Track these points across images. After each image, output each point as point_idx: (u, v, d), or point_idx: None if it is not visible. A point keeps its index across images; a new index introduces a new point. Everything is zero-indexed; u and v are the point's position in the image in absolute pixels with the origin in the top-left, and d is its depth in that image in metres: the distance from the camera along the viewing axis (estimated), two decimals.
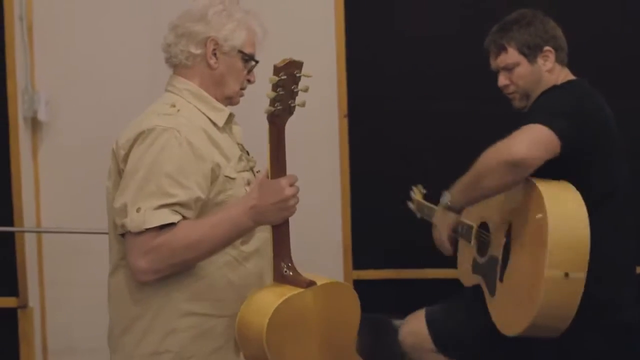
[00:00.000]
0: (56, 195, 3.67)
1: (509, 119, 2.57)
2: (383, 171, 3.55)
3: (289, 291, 2.16)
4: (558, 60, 2.74)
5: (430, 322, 2.84)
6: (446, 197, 2.68)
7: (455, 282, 2.98)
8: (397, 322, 3.31)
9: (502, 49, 2.75)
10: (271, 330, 2.10)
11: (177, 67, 2.34)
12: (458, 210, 2.71)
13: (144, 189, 2.10)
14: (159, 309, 2.21)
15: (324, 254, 3.51)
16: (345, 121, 3.54)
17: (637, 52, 3.39)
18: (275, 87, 2.08)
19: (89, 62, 3.63)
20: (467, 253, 2.90)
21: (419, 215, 3.19)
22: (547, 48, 2.71)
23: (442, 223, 2.77)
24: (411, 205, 3.25)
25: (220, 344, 2.25)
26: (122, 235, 2.16)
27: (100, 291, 3.56)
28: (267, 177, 2.14)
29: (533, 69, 2.73)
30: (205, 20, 2.29)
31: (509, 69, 2.75)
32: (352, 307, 2.34)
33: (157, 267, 2.13)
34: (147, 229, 2.08)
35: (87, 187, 3.60)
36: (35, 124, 3.64)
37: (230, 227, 2.16)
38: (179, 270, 2.18)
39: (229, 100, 2.38)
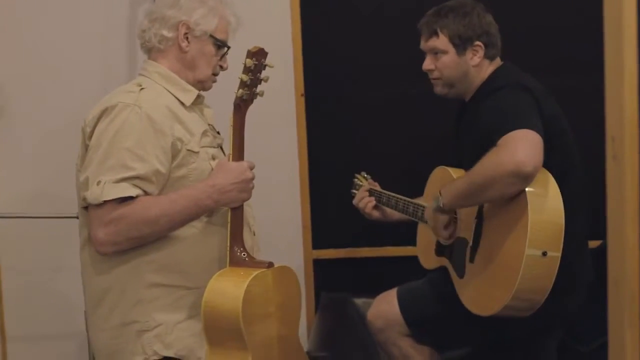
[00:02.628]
0: (10, 180, 3.62)
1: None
2: (341, 150, 3.55)
3: (253, 271, 2.22)
4: (487, 56, 2.74)
5: (403, 305, 2.83)
6: (439, 201, 2.56)
7: (415, 260, 3.00)
8: (357, 300, 3.33)
9: (434, 33, 2.76)
10: (246, 304, 2.15)
11: (151, 51, 2.44)
12: (449, 212, 2.64)
13: (105, 162, 2.17)
14: (126, 281, 2.27)
15: (283, 234, 3.52)
16: (302, 100, 3.53)
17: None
18: (247, 71, 2.22)
19: (42, 45, 3.57)
20: (427, 236, 2.87)
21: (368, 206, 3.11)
22: (477, 43, 2.72)
23: (436, 224, 2.71)
24: (356, 193, 3.14)
25: (188, 315, 2.30)
26: (86, 208, 2.22)
27: (57, 276, 3.58)
28: (229, 160, 2.26)
29: (459, 60, 2.74)
30: (178, 5, 2.40)
31: (435, 53, 2.77)
32: (297, 292, 2.44)
33: (115, 240, 2.18)
34: (106, 202, 2.14)
35: (41, 172, 3.59)
36: None
37: (189, 204, 2.22)
38: (138, 244, 2.22)
39: (201, 84, 2.46)
